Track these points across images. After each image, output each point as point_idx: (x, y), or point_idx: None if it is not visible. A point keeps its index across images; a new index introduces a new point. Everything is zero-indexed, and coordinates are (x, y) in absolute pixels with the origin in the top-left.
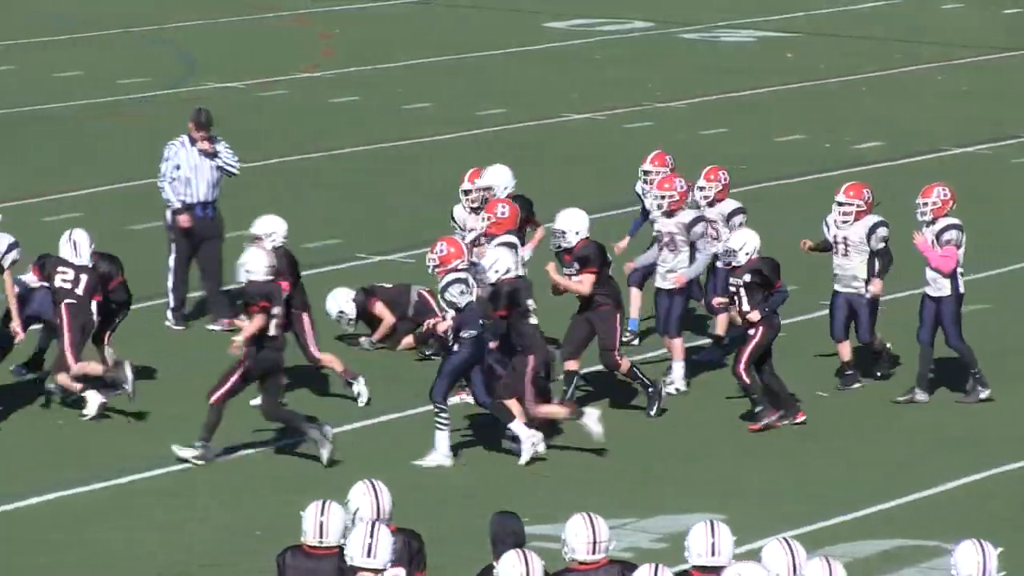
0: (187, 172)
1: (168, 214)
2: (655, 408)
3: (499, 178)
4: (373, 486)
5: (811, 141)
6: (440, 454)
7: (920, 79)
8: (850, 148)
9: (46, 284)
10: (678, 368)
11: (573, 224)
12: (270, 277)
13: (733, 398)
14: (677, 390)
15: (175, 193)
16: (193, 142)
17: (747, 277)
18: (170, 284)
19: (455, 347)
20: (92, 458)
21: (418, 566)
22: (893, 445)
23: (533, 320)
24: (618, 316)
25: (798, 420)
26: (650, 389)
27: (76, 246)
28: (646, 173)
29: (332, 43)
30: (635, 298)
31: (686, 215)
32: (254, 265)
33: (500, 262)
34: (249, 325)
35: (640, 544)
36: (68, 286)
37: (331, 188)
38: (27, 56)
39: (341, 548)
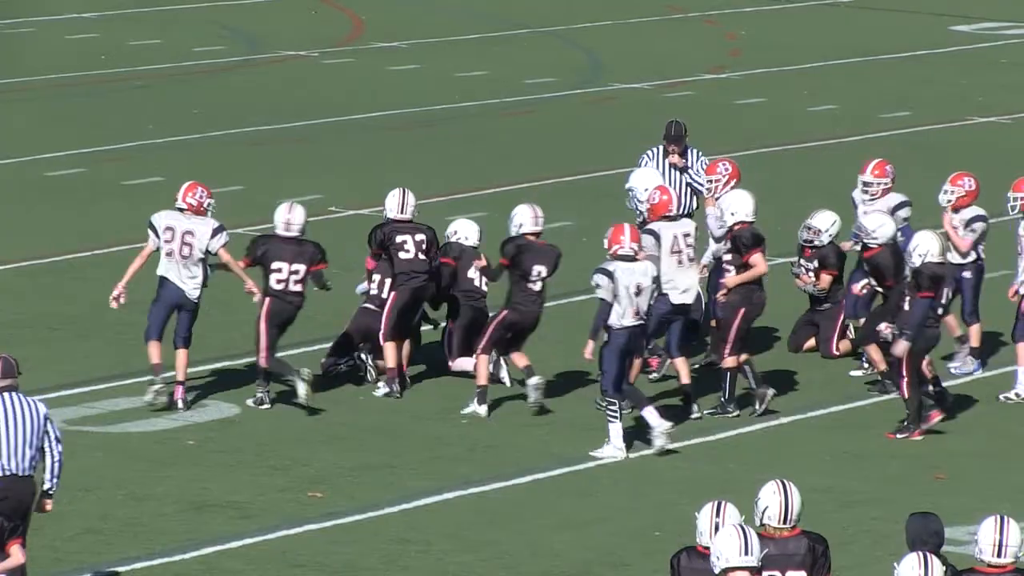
0: None
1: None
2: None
3: (642, 180)
4: (784, 486)
5: None
6: (613, 446)
7: None
8: None
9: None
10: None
11: (825, 224)
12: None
13: None
14: (1017, 395)
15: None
16: (667, 154)
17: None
18: None
19: (607, 338)
20: (498, 456)
21: (823, 570)
22: None
23: (535, 287)
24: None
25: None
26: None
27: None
28: (866, 184)
29: (739, 44)
30: None
31: (968, 212)
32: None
33: (518, 216)
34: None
35: None
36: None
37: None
38: (432, 55)
39: None
